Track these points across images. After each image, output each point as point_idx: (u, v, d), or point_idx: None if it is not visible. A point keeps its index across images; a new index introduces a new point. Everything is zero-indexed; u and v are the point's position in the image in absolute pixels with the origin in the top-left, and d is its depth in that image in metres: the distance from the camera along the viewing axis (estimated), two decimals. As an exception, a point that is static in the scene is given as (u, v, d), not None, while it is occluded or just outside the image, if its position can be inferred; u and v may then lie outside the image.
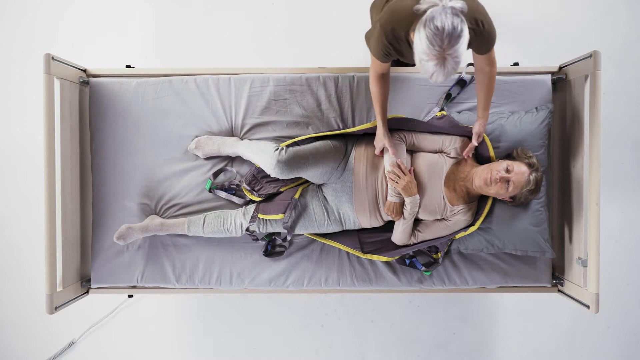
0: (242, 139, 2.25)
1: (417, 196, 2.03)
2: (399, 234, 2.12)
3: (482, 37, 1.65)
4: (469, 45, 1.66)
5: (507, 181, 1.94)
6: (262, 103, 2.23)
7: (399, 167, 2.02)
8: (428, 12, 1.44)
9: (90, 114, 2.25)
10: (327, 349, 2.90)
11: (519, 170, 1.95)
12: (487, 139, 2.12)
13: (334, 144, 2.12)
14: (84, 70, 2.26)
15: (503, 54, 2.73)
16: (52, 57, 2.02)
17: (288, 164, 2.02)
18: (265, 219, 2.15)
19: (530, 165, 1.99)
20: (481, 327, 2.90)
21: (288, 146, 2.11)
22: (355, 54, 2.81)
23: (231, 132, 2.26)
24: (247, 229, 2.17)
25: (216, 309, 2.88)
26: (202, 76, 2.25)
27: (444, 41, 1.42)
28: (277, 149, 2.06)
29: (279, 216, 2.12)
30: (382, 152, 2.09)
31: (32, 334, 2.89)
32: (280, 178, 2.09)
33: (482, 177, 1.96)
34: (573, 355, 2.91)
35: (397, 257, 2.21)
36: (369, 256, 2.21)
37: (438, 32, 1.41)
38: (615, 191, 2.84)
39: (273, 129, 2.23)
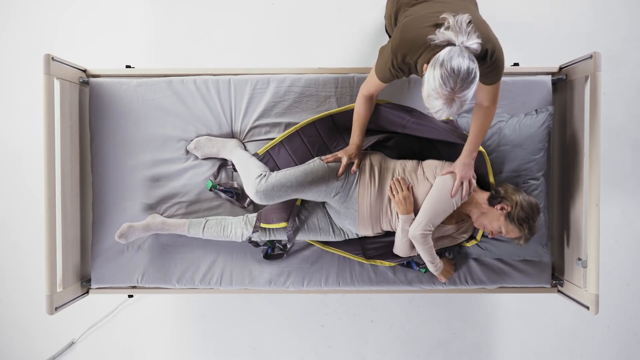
0: (242, 140, 2.25)
1: (412, 215, 1.99)
2: (400, 248, 2.09)
3: (495, 66, 1.62)
4: (483, 74, 1.65)
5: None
6: (262, 104, 2.22)
7: (400, 182, 2.00)
8: (446, 52, 1.44)
9: (90, 114, 2.25)
10: (327, 349, 2.90)
11: (511, 236, 2.00)
12: (489, 165, 2.09)
13: (331, 166, 2.02)
14: (84, 71, 2.26)
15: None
16: (52, 58, 2.02)
17: (267, 194, 1.97)
18: (268, 228, 2.15)
19: (525, 237, 1.99)
20: (481, 327, 2.90)
21: (270, 149, 2.15)
22: (355, 54, 2.81)
23: (231, 134, 2.26)
24: (250, 240, 2.17)
25: (216, 309, 2.88)
26: (202, 77, 2.24)
27: (457, 84, 1.43)
28: (260, 175, 2.00)
29: (282, 224, 2.11)
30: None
31: (32, 334, 2.89)
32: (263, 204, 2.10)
33: (476, 225, 2.05)
34: (573, 355, 2.91)
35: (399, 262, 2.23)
36: (372, 261, 2.21)
37: (453, 74, 1.42)
38: (615, 191, 2.84)
39: (273, 130, 2.23)
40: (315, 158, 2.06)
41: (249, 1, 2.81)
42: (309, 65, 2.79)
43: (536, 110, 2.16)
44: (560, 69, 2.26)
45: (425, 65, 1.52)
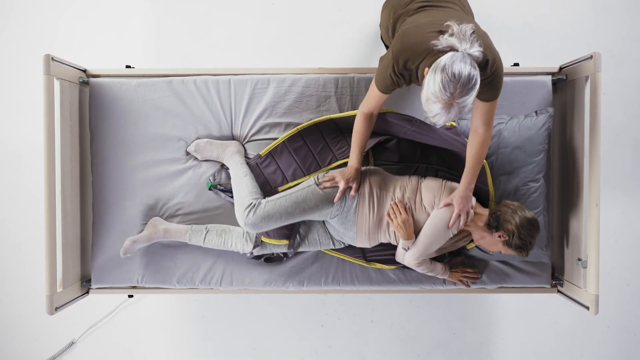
0: (242, 141, 2.24)
1: (413, 239, 1.97)
2: (401, 259, 2.08)
3: (494, 78, 1.62)
4: (482, 85, 1.65)
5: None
6: (262, 104, 2.22)
7: (397, 206, 1.97)
8: (448, 57, 1.44)
9: (90, 114, 2.24)
10: (327, 349, 2.90)
11: (510, 254, 2.01)
12: (489, 177, 2.07)
13: (327, 192, 1.97)
14: (84, 71, 2.25)
15: (503, 55, 2.72)
16: (52, 58, 2.02)
17: (256, 226, 1.98)
18: (269, 243, 2.15)
19: (523, 255, 2.00)
20: (481, 327, 2.90)
21: (272, 150, 2.14)
22: (355, 54, 2.81)
23: (231, 134, 2.26)
24: (251, 253, 2.18)
25: (216, 309, 2.88)
26: (202, 77, 2.24)
27: (457, 89, 1.43)
28: (249, 206, 1.98)
29: (284, 242, 2.13)
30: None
31: (32, 334, 2.89)
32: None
33: (476, 244, 2.06)
34: (573, 355, 2.91)
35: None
36: (372, 265, 2.22)
37: (454, 79, 1.41)
38: (615, 191, 2.84)
39: (273, 130, 2.23)
40: (311, 180, 2.01)
41: (249, 1, 2.81)
42: (309, 65, 2.79)
43: (536, 112, 2.16)
44: (561, 69, 2.26)
45: (426, 69, 1.52)
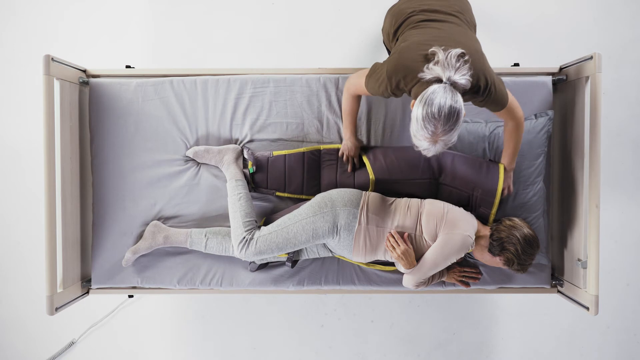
0: (242, 141, 2.24)
1: (415, 267, 1.97)
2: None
3: (489, 100, 1.66)
4: (480, 105, 1.72)
5: None
6: (262, 104, 2.22)
7: (394, 236, 1.96)
8: (430, 91, 1.45)
9: (90, 114, 2.24)
10: (327, 349, 2.90)
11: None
12: (500, 181, 2.05)
13: (316, 228, 1.97)
14: (84, 71, 2.25)
15: (503, 55, 2.73)
16: (52, 58, 2.02)
17: (251, 259, 2.04)
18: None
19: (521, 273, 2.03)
20: (481, 327, 2.90)
21: (269, 157, 2.18)
22: (355, 54, 2.81)
23: (231, 134, 2.25)
24: (253, 263, 2.21)
25: (216, 309, 2.88)
26: (202, 77, 2.24)
27: (439, 127, 1.46)
28: (242, 241, 2.00)
29: (283, 255, 2.16)
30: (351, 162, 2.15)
31: (33, 334, 2.89)
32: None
33: (477, 259, 2.09)
34: (573, 355, 2.91)
35: None
36: (371, 266, 2.22)
37: (435, 117, 1.44)
38: (615, 191, 2.84)
39: (273, 131, 2.23)
40: (302, 210, 2.00)
41: (249, 1, 2.81)
42: (309, 65, 2.79)
43: (535, 115, 2.15)
44: (561, 69, 2.26)
45: (412, 101, 1.55)
